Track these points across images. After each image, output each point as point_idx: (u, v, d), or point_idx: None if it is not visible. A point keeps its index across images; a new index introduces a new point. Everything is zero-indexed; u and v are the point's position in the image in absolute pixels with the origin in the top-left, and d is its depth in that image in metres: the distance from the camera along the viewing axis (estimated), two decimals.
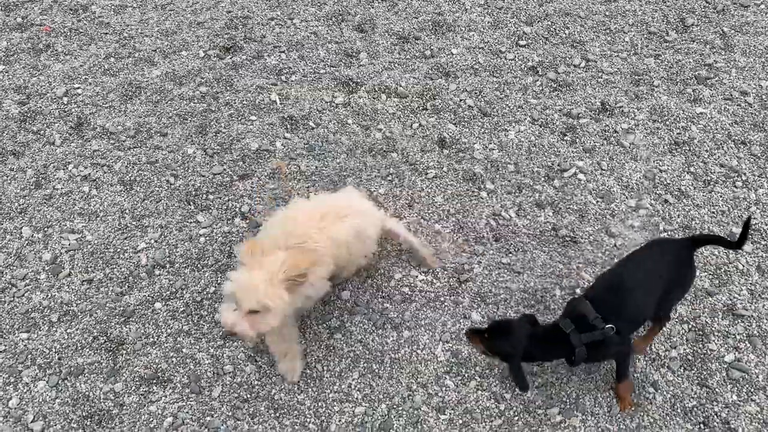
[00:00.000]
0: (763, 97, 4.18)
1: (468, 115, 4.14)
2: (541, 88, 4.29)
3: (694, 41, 4.53)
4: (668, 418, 2.90)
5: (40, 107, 4.28)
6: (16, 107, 4.29)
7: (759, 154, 3.88)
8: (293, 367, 3.03)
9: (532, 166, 3.86)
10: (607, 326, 2.61)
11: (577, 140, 3.98)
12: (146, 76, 4.44)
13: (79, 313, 3.32)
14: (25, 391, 3.07)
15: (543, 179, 3.80)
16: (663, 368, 3.05)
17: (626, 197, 3.70)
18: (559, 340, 2.66)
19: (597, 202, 3.68)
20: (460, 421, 2.91)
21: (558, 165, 3.86)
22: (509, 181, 3.79)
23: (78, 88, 4.40)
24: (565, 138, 4.00)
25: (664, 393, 2.97)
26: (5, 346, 3.21)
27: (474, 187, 3.76)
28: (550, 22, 4.67)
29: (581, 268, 3.40)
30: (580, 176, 3.80)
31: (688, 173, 3.80)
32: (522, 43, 4.57)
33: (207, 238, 3.59)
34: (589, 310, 2.65)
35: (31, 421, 2.96)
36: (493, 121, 4.10)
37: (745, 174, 3.78)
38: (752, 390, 2.98)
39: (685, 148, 3.92)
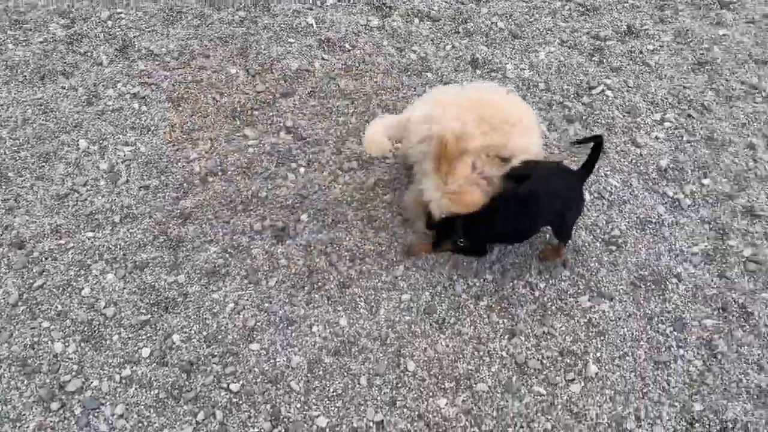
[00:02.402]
0: None
1: (499, 37, 4.30)
2: (569, 12, 4.44)
3: None
4: (689, 303, 3.16)
5: (86, 30, 4.44)
6: (62, 30, 4.45)
7: None
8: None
9: (562, 84, 4.04)
10: None
11: (605, 60, 4.16)
12: (186, 1, 4.59)
13: (139, 215, 3.55)
14: (95, 282, 3.32)
15: (572, 96, 3.99)
16: (686, 262, 3.30)
17: (651, 112, 3.90)
18: None
19: (624, 116, 3.88)
20: (498, 307, 3.17)
21: (587, 83, 4.04)
22: (540, 98, 3.98)
23: (120, 12, 4.56)
24: (593, 58, 4.18)
25: (687, 283, 3.23)
26: (74, 243, 3.45)
27: None
28: None
29: (609, 175, 3.62)
30: (608, 93, 3.98)
31: (710, 90, 3.99)
32: None
33: (255, 148, 3.80)
34: None
35: (104, 307, 3.23)
36: (523, 43, 4.27)
37: (765, 90, 3.97)
38: (767, 279, 3.23)
39: (708, 67, 4.10)
